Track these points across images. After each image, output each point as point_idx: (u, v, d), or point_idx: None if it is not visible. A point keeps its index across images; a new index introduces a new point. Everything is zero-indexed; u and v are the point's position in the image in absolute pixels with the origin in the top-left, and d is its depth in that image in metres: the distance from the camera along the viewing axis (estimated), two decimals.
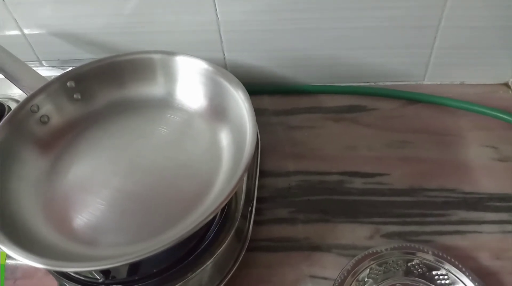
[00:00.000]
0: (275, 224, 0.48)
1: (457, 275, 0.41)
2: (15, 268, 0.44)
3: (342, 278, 0.41)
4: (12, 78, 0.47)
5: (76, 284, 0.39)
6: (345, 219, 0.47)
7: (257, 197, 0.47)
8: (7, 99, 0.56)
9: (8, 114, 0.44)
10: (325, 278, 0.43)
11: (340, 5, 0.52)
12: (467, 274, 0.40)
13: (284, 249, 0.46)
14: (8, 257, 0.43)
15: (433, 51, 0.56)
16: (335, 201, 0.49)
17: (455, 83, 0.59)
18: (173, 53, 0.47)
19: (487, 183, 0.48)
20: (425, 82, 0.60)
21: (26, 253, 0.34)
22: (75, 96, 0.48)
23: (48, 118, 0.46)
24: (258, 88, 0.60)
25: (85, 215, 0.40)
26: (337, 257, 0.45)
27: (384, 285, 0.41)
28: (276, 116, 0.58)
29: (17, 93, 0.58)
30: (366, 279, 0.41)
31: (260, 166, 0.51)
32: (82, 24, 0.58)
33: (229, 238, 0.42)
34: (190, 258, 0.40)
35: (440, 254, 0.42)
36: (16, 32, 0.59)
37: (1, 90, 0.58)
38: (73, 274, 0.39)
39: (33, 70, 0.47)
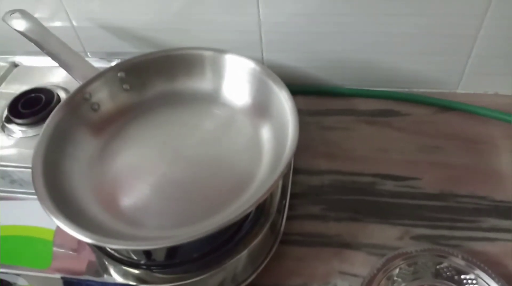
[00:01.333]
0: (307, 220, 0.49)
1: (486, 280, 0.41)
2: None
3: (372, 275, 0.42)
4: (66, 67, 0.49)
5: (117, 263, 0.41)
6: (376, 219, 0.48)
7: (290, 193, 0.49)
8: (55, 87, 0.58)
9: (65, 98, 0.47)
10: (354, 275, 0.44)
11: (379, 11, 0.53)
12: (496, 280, 0.41)
13: (315, 244, 0.47)
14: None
15: (469, 60, 0.56)
16: (366, 201, 0.50)
17: (489, 93, 0.59)
18: (223, 51, 0.49)
19: None
20: (459, 91, 0.60)
21: (78, 228, 0.36)
22: (124, 86, 0.50)
23: (99, 106, 0.49)
24: (293, 88, 0.59)
25: (132, 198, 0.42)
26: (366, 255, 0.46)
27: None
28: (310, 116, 0.60)
29: (61, 81, 0.60)
30: (395, 278, 0.42)
31: (294, 164, 0.52)
32: (128, 19, 0.60)
33: (264, 231, 0.43)
34: (227, 247, 0.42)
35: (470, 259, 0.42)
36: (66, 23, 0.62)
37: (47, 78, 0.61)
38: (116, 254, 0.42)
39: (86, 60, 0.50)
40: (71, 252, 0.44)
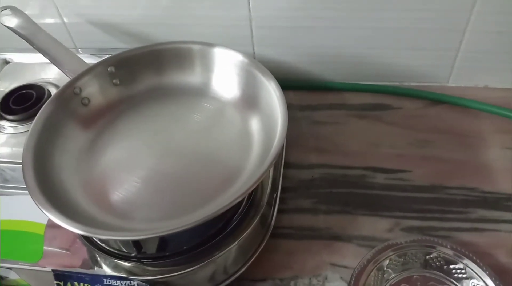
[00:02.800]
0: (298, 213, 0.49)
1: (474, 270, 0.42)
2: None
3: (362, 266, 0.43)
4: (56, 62, 0.50)
5: (108, 256, 0.42)
6: (366, 212, 0.49)
7: (281, 187, 0.49)
8: (46, 83, 0.58)
9: (55, 92, 0.47)
10: (345, 267, 0.44)
11: (369, 6, 0.54)
12: (484, 269, 0.41)
13: (306, 237, 0.47)
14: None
15: (458, 54, 0.57)
16: (357, 194, 0.50)
17: (479, 86, 0.60)
18: (211, 45, 0.49)
19: (507, 184, 0.49)
20: (449, 84, 0.61)
21: (67, 220, 0.36)
22: (114, 81, 0.50)
23: (89, 100, 0.49)
24: (284, 83, 0.60)
25: (121, 191, 0.43)
26: (357, 247, 0.46)
27: (403, 276, 0.42)
28: (301, 111, 0.60)
29: (53, 78, 0.60)
30: (385, 269, 0.43)
31: (285, 158, 0.52)
32: (119, 15, 0.60)
33: (254, 223, 0.43)
34: (217, 239, 0.42)
35: (459, 248, 0.43)
36: (57, 20, 0.62)
37: (38, 75, 0.61)
38: (106, 247, 0.42)
39: (76, 55, 0.50)
40: (62, 246, 0.44)
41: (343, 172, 0.52)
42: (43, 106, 0.45)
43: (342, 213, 0.49)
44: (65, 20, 0.62)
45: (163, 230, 0.35)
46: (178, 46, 0.50)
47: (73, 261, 0.44)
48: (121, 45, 0.63)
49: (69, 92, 0.47)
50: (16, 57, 0.65)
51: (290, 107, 0.59)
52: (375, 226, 0.47)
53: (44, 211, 0.37)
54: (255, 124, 0.46)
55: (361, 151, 0.54)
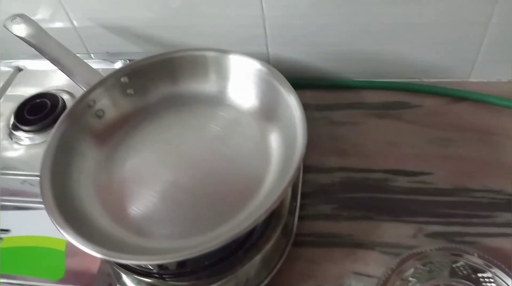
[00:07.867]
0: (318, 220, 0.48)
1: (504, 279, 0.40)
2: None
3: (386, 276, 0.42)
4: (67, 72, 0.49)
5: (129, 272, 0.41)
6: (389, 217, 0.48)
7: (301, 193, 0.48)
8: (59, 91, 0.58)
9: (68, 108, 0.46)
10: (368, 276, 0.44)
11: (386, 0, 0.52)
12: None
13: (328, 245, 0.46)
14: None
15: (481, 48, 0.55)
16: (378, 199, 0.49)
17: (503, 81, 0.58)
18: (226, 52, 0.48)
19: None
20: (471, 80, 0.59)
21: (87, 242, 0.36)
22: (128, 91, 0.49)
23: (103, 112, 0.48)
24: (300, 82, 0.59)
25: (139, 206, 0.42)
26: (380, 255, 0.45)
27: None
28: (318, 111, 0.59)
29: (65, 85, 0.60)
30: (410, 278, 0.42)
31: (304, 162, 0.51)
32: (130, 17, 0.59)
33: (276, 234, 0.43)
34: (239, 252, 0.41)
35: (487, 256, 0.42)
36: (67, 25, 0.61)
37: (50, 83, 0.61)
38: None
39: (87, 64, 0.49)
40: (83, 262, 0.44)
41: (364, 175, 0.51)
42: (58, 122, 0.45)
43: (364, 219, 0.48)
44: (76, 24, 0.61)
45: (185, 254, 0.34)
46: (192, 54, 0.49)
47: (96, 276, 0.44)
48: (133, 48, 0.62)
49: (83, 106, 0.47)
50: (28, 64, 0.64)
51: (307, 107, 0.58)
52: (398, 232, 0.46)
53: (63, 233, 0.36)
54: (273, 136, 0.45)
55: (381, 152, 0.53)
